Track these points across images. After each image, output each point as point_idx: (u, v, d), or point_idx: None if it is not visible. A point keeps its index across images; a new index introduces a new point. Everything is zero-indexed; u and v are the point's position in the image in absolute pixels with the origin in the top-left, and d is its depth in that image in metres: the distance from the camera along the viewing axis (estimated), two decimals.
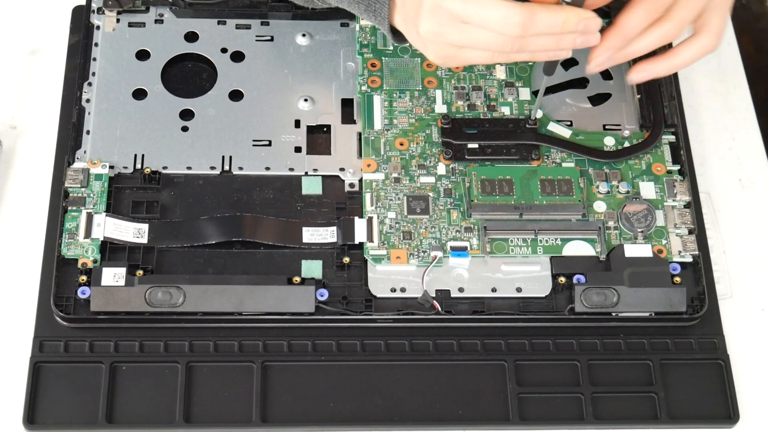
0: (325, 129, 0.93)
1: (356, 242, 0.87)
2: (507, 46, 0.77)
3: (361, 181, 0.90)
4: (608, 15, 0.94)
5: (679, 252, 0.88)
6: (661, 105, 0.94)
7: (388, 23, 0.82)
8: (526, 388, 0.84)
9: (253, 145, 0.92)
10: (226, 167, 0.91)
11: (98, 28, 0.96)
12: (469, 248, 0.87)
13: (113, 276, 0.84)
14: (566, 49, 0.79)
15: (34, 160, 0.92)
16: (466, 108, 0.93)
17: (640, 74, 0.84)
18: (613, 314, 0.86)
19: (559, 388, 0.84)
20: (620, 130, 0.93)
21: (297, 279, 0.85)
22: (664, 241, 0.88)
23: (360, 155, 0.91)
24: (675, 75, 0.96)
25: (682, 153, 0.92)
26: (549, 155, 0.91)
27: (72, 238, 0.86)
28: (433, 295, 0.85)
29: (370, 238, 0.87)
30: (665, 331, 0.86)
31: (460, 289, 0.86)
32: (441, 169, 0.91)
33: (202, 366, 0.83)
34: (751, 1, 1.28)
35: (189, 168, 0.90)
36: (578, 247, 0.88)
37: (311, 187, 0.90)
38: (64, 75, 0.95)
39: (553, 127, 0.93)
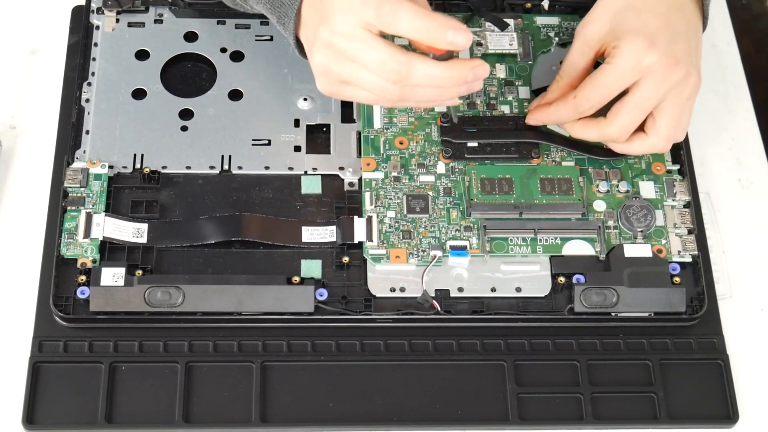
0: (324, 128, 0.93)
1: (356, 242, 0.87)
2: (388, 92, 0.79)
3: (360, 180, 0.90)
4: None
5: (679, 252, 0.88)
6: None
7: (294, 37, 0.84)
8: (525, 388, 0.84)
9: (253, 145, 0.92)
10: (226, 167, 0.91)
11: (98, 28, 0.96)
12: (468, 247, 0.87)
13: (112, 276, 0.84)
14: (451, 98, 0.81)
15: (33, 160, 0.92)
16: (465, 107, 0.93)
17: (578, 132, 0.89)
18: (613, 314, 0.85)
19: (559, 388, 0.84)
20: None
21: (296, 279, 0.85)
22: (663, 241, 0.88)
23: (359, 154, 0.91)
24: None
25: (681, 153, 0.92)
26: (549, 154, 0.91)
27: (71, 238, 0.86)
28: (433, 295, 0.85)
29: (369, 238, 0.87)
30: (665, 331, 0.86)
31: (460, 289, 0.86)
32: (440, 168, 0.91)
33: (201, 366, 0.83)
34: (751, 1, 1.28)
35: (188, 168, 0.90)
36: (578, 247, 0.88)
37: (311, 186, 0.90)
38: (63, 75, 0.95)
39: (554, 126, 0.92)
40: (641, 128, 0.87)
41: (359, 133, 0.92)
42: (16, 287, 0.86)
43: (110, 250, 0.86)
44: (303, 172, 0.91)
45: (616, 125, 0.85)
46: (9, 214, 0.89)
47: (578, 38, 0.87)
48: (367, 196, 0.89)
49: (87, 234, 0.86)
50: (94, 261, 0.85)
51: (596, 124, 0.86)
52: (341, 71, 0.80)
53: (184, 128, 0.92)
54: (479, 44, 0.96)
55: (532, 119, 0.90)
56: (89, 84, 0.93)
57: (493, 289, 0.86)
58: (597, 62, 0.88)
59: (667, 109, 0.85)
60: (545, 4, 0.99)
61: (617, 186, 0.90)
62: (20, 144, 0.93)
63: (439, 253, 0.87)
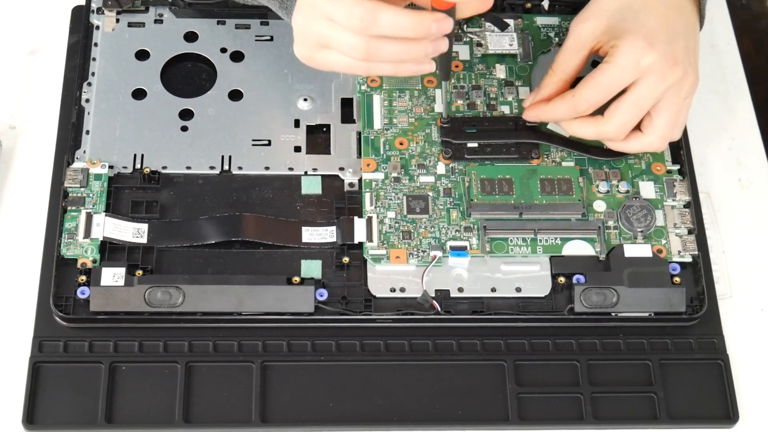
0: (324, 128, 0.93)
1: (356, 242, 0.87)
2: (359, 50, 0.79)
3: (360, 180, 0.90)
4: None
5: (679, 252, 0.88)
6: None
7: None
8: (525, 388, 0.84)
9: (253, 145, 0.92)
10: (226, 167, 0.91)
11: (98, 28, 0.96)
12: (468, 248, 0.87)
13: (113, 276, 0.84)
14: (418, 57, 0.80)
15: (33, 160, 0.92)
16: (465, 107, 0.93)
17: (574, 130, 0.89)
18: (613, 314, 0.85)
19: (559, 388, 0.84)
20: None
21: (296, 279, 0.85)
22: (663, 241, 0.88)
23: (359, 155, 0.91)
24: None
25: (681, 153, 0.92)
26: (549, 154, 0.91)
27: (71, 238, 0.86)
28: (433, 295, 0.85)
29: (369, 238, 0.87)
30: (665, 331, 0.86)
31: (460, 289, 0.86)
32: (440, 168, 0.91)
33: (201, 366, 0.83)
34: (751, 1, 1.28)
35: (188, 168, 0.90)
36: (578, 247, 0.88)
37: (311, 186, 0.90)
38: (63, 75, 0.95)
39: (553, 126, 0.92)
40: (638, 127, 0.87)
41: (359, 134, 0.92)
42: (16, 287, 0.86)
43: (110, 250, 0.86)
44: (303, 173, 0.91)
45: (614, 123, 0.85)
46: (9, 214, 0.89)
47: (572, 34, 0.87)
48: (367, 196, 0.89)
49: (87, 234, 0.86)
50: (94, 261, 0.85)
51: (594, 122, 0.87)
52: (316, 29, 0.80)
53: (184, 128, 0.92)
54: (479, 45, 0.96)
55: (530, 116, 0.90)
56: (89, 84, 0.93)
57: (493, 290, 0.86)
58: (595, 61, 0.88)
59: (664, 108, 0.85)
60: (545, 4, 0.99)
61: (617, 186, 0.90)
62: (20, 144, 0.93)
63: (439, 254, 0.86)
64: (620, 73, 0.84)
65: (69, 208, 0.87)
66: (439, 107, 0.93)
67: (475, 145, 0.91)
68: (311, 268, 0.87)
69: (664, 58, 0.83)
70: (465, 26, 0.97)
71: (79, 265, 0.85)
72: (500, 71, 0.95)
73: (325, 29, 0.80)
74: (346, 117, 0.94)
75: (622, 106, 0.85)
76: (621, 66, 0.83)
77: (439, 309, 0.85)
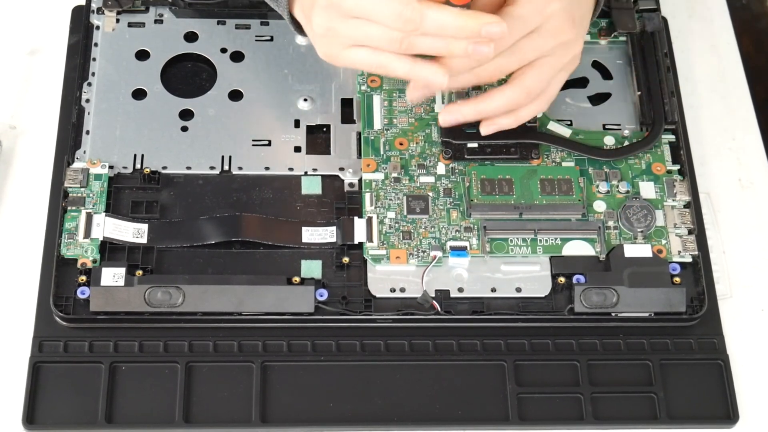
0: (324, 129, 0.93)
1: (356, 242, 0.87)
2: (395, 44, 0.78)
3: (360, 180, 0.90)
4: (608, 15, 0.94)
5: (679, 252, 0.88)
6: (661, 101, 0.94)
7: (288, 12, 0.84)
8: (525, 388, 0.84)
9: (253, 145, 0.92)
10: (226, 167, 0.91)
11: (98, 28, 0.96)
12: (468, 248, 0.87)
13: (113, 276, 0.84)
14: (455, 53, 0.78)
15: (33, 160, 0.92)
16: None
17: (448, 116, 0.86)
18: (613, 314, 0.85)
19: (559, 388, 0.84)
20: (620, 129, 0.93)
21: (296, 279, 0.85)
22: (663, 241, 0.88)
23: (359, 155, 0.91)
24: (674, 73, 0.96)
25: (682, 153, 0.92)
26: (549, 154, 0.91)
27: (71, 238, 0.86)
28: (433, 295, 0.85)
29: (369, 238, 0.87)
30: (665, 331, 0.86)
31: (460, 289, 0.86)
32: (440, 168, 0.91)
33: (201, 366, 0.83)
34: (751, 1, 1.28)
35: (188, 168, 0.90)
36: (578, 247, 0.88)
37: (311, 186, 0.90)
38: (63, 75, 0.95)
39: (553, 127, 0.92)
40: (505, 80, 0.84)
41: (359, 134, 0.92)
42: (16, 287, 0.86)
43: (110, 251, 0.86)
44: (303, 173, 0.91)
45: (492, 66, 0.82)
46: (9, 214, 0.89)
47: None
48: (367, 196, 0.89)
49: (87, 234, 0.86)
50: (94, 261, 0.85)
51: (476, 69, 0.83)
52: (345, 30, 0.79)
53: (184, 128, 0.92)
54: None
55: (442, 120, 0.87)
56: (89, 84, 0.93)
57: (493, 290, 0.86)
58: None
59: (542, 65, 0.82)
60: None
61: (617, 186, 0.90)
62: (20, 144, 0.93)
63: (439, 254, 0.87)
64: (525, 16, 0.80)
65: (69, 208, 0.87)
66: (439, 107, 0.93)
67: (475, 145, 0.91)
68: (311, 268, 0.87)
69: (566, 12, 0.81)
70: None
71: (79, 265, 0.85)
72: None
73: (359, 28, 0.78)
74: (346, 117, 0.94)
75: (521, 45, 0.81)
76: (526, 8, 0.80)
77: (439, 309, 0.85)
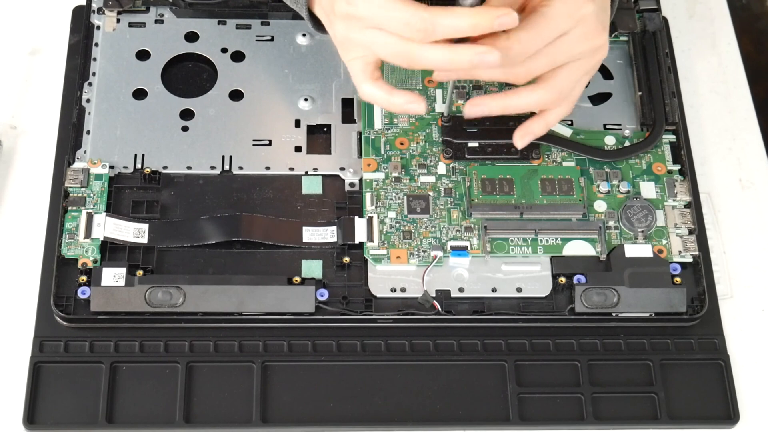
0: (325, 128, 0.93)
1: (356, 242, 0.87)
2: (403, 57, 0.77)
3: (361, 180, 0.90)
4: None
5: (680, 252, 0.88)
6: (662, 102, 0.94)
7: (307, 10, 0.83)
8: (526, 388, 0.84)
9: (253, 145, 0.92)
10: (226, 167, 0.91)
11: (98, 28, 0.96)
12: (469, 248, 0.87)
13: (113, 276, 0.84)
14: (460, 65, 0.77)
15: (34, 160, 0.92)
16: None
17: (474, 109, 0.83)
18: (614, 314, 0.85)
19: (560, 388, 0.84)
20: (621, 129, 0.94)
21: (297, 279, 0.85)
22: (664, 241, 0.88)
23: (360, 155, 0.91)
24: (675, 73, 0.96)
25: (682, 153, 0.92)
26: (549, 154, 0.91)
27: (72, 238, 0.86)
28: (434, 295, 0.85)
29: (370, 238, 0.87)
30: (665, 331, 0.86)
31: (461, 289, 0.86)
32: (441, 168, 0.91)
33: (202, 366, 0.83)
34: (751, 1, 1.28)
35: (189, 168, 0.90)
36: (578, 247, 0.88)
37: (311, 186, 0.90)
38: (64, 75, 0.95)
39: (554, 126, 0.92)
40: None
41: (360, 134, 0.92)
42: (16, 287, 0.86)
43: (111, 251, 0.86)
44: (304, 173, 0.91)
45: (522, 68, 0.80)
46: (9, 214, 0.89)
47: None
48: (367, 196, 0.89)
49: (88, 234, 0.86)
50: (94, 261, 0.85)
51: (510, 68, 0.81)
52: (363, 39, 0.79)
53: (184, 128, 0.92)
54: None
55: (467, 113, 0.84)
56: (90, 84, 0.93)
57: (494, 290, 0.86)
58: None
59: (572, 68, 0.81)
60: None
61: (618, 186, 0.90)
62: (21, 144, 0.93)
63: (439, 254, 0.87)
64: (557, 18, 0.79)
65: (70, 208, 0.87)
66: (440, 107, 0.93)
67: (476, 144, 0.91)
68: (312, 268, 0.87)
69: (596, 16, 0.80)
70: None
71: (79, 265, 0.85)
72: None
73: (375, 39, 0.78)
74: (347, 117, 0.94)
75: (544, 48, 0.79)
76: (559, 11, 0.79)
77: (440, 309, 0.85)
